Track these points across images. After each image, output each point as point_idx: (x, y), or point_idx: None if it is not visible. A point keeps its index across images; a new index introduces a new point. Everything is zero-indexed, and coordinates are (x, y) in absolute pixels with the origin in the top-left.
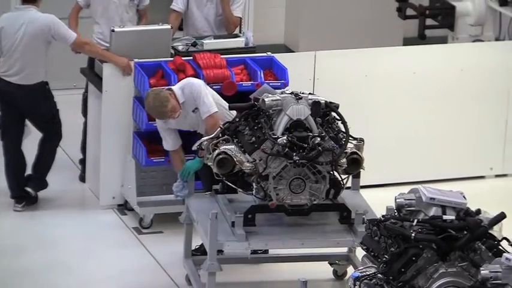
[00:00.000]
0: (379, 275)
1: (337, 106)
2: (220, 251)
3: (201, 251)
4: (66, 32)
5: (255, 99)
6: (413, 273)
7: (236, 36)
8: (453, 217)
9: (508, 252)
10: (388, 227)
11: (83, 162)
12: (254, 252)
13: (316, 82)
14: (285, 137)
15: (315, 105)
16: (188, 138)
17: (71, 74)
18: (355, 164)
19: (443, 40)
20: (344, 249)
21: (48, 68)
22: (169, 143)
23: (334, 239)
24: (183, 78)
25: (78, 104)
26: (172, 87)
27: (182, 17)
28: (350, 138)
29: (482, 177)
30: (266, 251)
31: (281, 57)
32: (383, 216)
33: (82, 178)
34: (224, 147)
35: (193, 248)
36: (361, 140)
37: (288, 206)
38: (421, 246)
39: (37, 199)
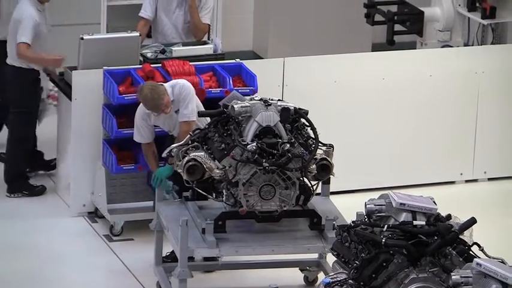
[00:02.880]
0: (350, 280)
1: (306, 112)
2: (191, 258)
3: (171, 257)
4: (22, 32)
5: (224, 106)
6: (384, 278)
7: (205, 43)
8: (423, 222)
9: (479, 258)
10: (358, 232)
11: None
12: (206, 259)
13: (285, 88)
14: (255, 144)
15: (284, 112)
16: (159, 144)
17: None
18: (324, 170)
19: (412, 46)
20: (315, 255)
21: None
22: (143, 135)
23: (305, 245)
24: None
25: (48, 111)
26: (163, 83)
27: (151, 24)
28: (319, 144)
29: (452, 182)
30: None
31: (250, 64)
32: (353, 222)
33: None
34: (194, 154)
35: (164, 254)
36: (331, 146)
37: (258, 213)
38: (391, 251)
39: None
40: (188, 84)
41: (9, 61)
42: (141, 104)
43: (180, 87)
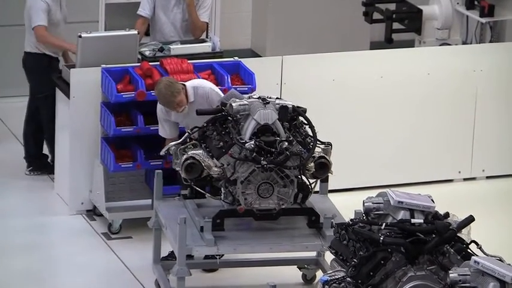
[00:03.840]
0: (348, 278)
1: (304, 110)
2: (189, 256)
3: (174, 256)
4: (35, 16)
5: (222, 104)
6: (382, 276)
7: (203, 41)
8: (421, 220)
9: (477, 256)
10: (356, 230)
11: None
12: (207, 257)
13: (283, 87)
14: (253, 142)
15: (283, 110)
16: (157, 142)
17: None
18: (323, 168)
19: (410, 44)
20: (313, 253)
21: (16, 74)
22: (167, 130)
23: (303, 243)
24: (151, 84)
25: None
26: (186, 83)
27: (149, 23)
28: (318, 142)
29: (450, 180)
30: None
31: (248, 62)
32: (351, 220)
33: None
34: (192, 152)
35: (165, 254)
36: (329, 144)
37: (256, 211)
38: (389, 249)
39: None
40: (213, 91)
41: (25, 48)
42: None
43: (205, 93)
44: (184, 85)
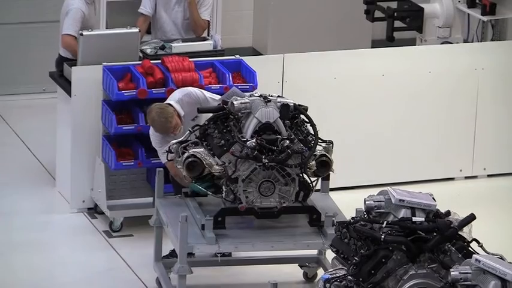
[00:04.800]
0: (349, 277)
1: (306, 109)
2: (191, 254)
3: (175, 255)
4: (67, 24)
5: (223, 102)
6: (383, 275)
7: (204, 39)
8: (423, 219)
9: (478, 254)
10: (357, 229)
11: None
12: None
13: (284, 85)
14: (254, 140)
15: (284, 108)
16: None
17: (40, 78)
18: (324, 166)
19: (411, 42)
20: (314, 252)
21: (18, 72)
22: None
23: (304, 241)
24: (152, 82)
25: (47, 108)
26: (171, 102)
27: (150, 21)
28: (319, 140)
29: (451, 179)
30: (229, 254)
31: (249, 60)
32: (352, 218)
33: None
34: (193, 150)
35: (167, 252)
36: (330, 142)
37: (257, 209)
38: (390, 248)
39: None
40: (192, 90)
41: (59, 51)
42: (151, 127)
43: (189, 98)
44: (171, 105)
